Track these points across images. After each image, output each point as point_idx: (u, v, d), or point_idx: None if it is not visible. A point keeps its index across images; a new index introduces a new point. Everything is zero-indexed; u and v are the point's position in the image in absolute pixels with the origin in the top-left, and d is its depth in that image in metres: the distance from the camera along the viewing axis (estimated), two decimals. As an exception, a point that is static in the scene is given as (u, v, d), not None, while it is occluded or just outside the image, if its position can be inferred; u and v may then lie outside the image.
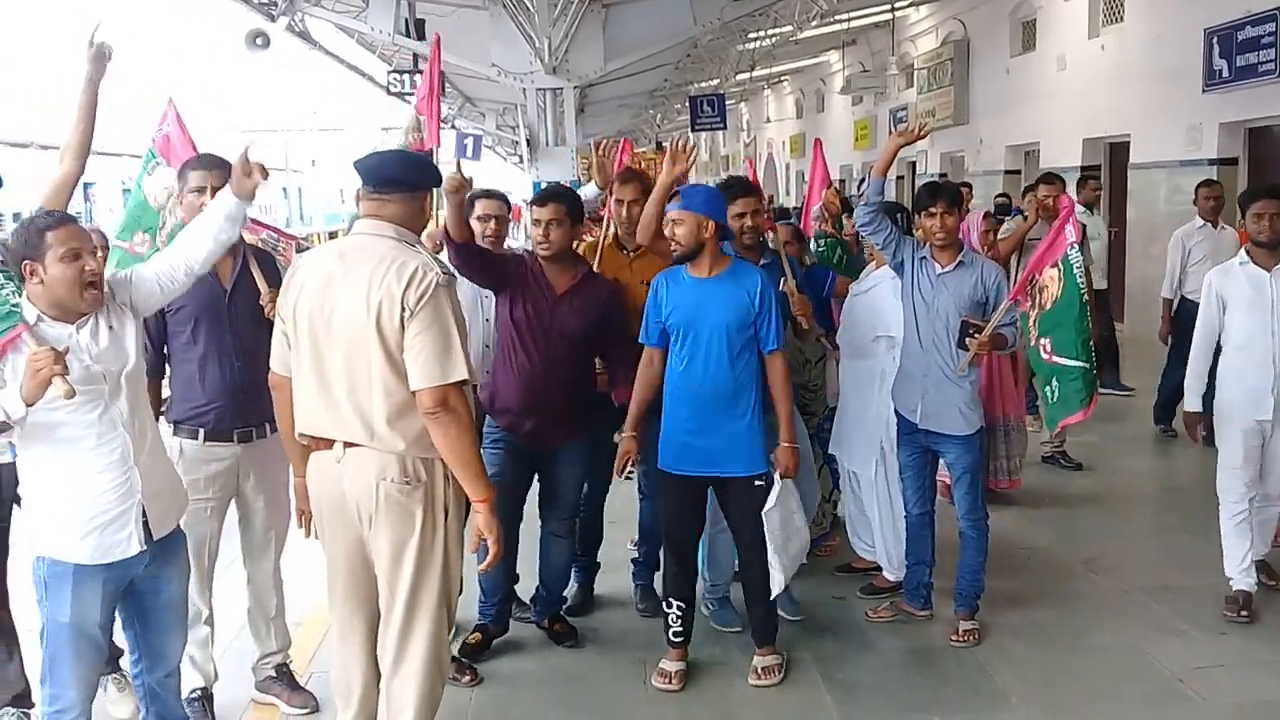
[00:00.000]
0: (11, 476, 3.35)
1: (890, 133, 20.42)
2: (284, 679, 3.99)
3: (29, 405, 2.79)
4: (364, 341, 2.99)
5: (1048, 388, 4.70)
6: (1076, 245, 4.52)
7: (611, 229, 4.74)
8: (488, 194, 4.65)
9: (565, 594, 4.69)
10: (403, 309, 2.95)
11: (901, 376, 4.51)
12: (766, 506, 3.97)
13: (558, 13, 10.16)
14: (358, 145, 37.90)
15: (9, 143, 20.49)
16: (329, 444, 3.10)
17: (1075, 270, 4.50)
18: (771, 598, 4.14)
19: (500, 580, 4.39)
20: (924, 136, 4.42)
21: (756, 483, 4.00)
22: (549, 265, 4.19)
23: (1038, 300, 4.63)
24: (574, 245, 4.40)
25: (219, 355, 3.67)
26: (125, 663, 3.60)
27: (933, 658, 4.34)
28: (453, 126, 26.29)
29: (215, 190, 3.66)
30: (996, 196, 13.97)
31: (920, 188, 4.53)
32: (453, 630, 3.30)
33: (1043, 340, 4.64)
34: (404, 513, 3.06)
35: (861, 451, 4.82)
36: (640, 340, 4.13)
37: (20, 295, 2.94)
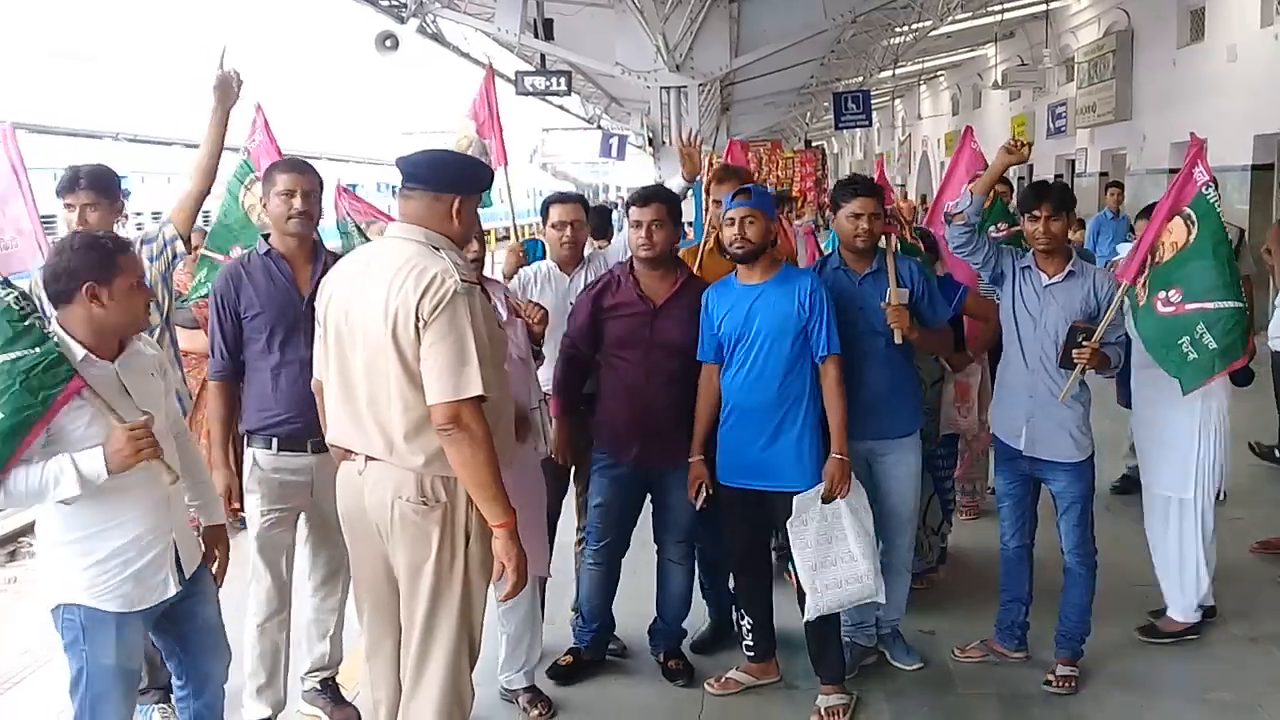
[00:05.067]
0: None
1: (1047, 132, 19.69)
2: (329, 692, 3.91)
3: (111, 474, 2.72)
4: (383, 352, 2.84)
5: (1181, 342, 3.92)
6: (1211, 184, 3.94)
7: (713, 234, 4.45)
8: (563, 198, 4.51)
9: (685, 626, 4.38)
10: (417, 318, 2.79)
11: (1003, 397, 4.14)
12: (792, 517, 3.70)
13: (678, 8, 9.94)
14: (519, 144, 38.59)
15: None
16: (355, 455, 2.98)
17: (1216, 207, 3.90)
18: (803, 617, 3.83)
19: (600, 606, 4.22)
20: (1028, 152, 4.01)
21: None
22: (647, 273, 3.98)
23: (1150, 262, 4.06)
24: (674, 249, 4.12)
25: (294, 364, 3.55)
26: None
27: (1022, 705, 3.97)
28: (598, 126, 26.46)
29: (304, 194, 3.60)
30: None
31: (1025, 188, 4.13)
32: (475, 660, 3.10)
33: (1162, 294, 3.97)
34: (420, 534, 2.91)
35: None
36: (697, 357, 3.90)
37: (35, 322, 2.71)
